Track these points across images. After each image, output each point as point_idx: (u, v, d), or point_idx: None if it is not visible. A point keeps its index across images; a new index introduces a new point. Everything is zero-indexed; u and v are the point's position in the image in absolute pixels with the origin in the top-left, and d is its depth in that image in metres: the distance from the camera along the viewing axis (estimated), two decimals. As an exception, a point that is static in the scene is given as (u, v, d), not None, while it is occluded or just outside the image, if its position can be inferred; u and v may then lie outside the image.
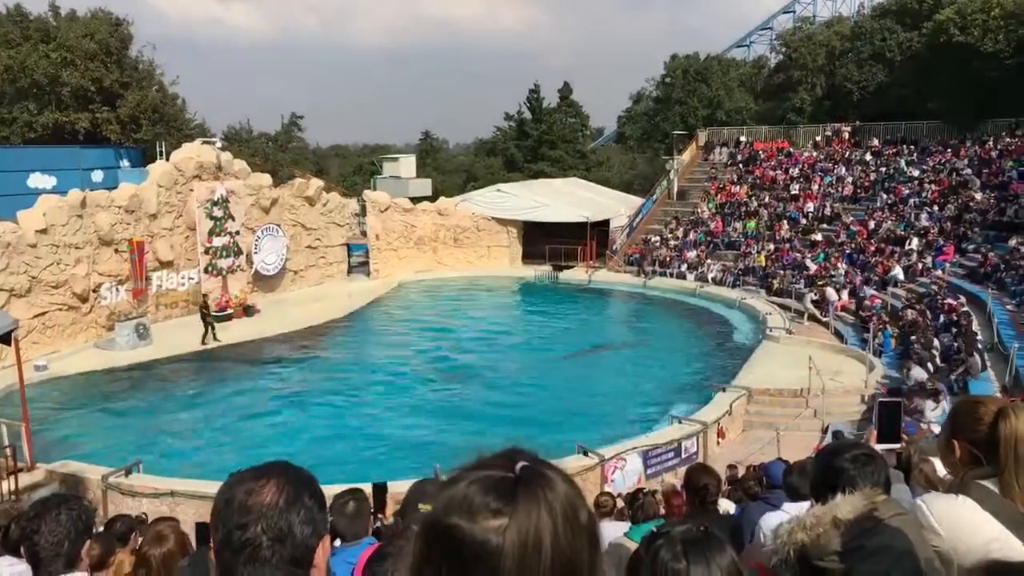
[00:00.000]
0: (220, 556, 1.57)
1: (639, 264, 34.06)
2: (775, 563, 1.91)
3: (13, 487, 12.56)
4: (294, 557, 1.54)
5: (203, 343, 23.34)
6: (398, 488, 7.67)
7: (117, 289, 23.91)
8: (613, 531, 5.53)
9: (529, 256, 36.24)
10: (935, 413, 13.62)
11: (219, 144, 31.09)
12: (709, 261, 32.77)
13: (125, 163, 35.74)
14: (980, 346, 17.58)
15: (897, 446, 2.90)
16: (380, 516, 5.49)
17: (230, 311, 26.31)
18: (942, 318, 20.37)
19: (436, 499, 1.08)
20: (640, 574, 1.82)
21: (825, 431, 16.04)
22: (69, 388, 19.57)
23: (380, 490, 6.10)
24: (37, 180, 31.69)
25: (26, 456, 13.54)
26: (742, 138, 42.88)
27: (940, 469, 3.24)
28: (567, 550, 1.02)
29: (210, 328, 23.62)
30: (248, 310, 26.94)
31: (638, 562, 1.88)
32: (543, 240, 35.59)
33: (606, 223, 37.17)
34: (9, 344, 13.90)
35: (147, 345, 22.64)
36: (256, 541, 1.52)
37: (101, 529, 5.94)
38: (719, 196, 38.03)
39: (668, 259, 33.91)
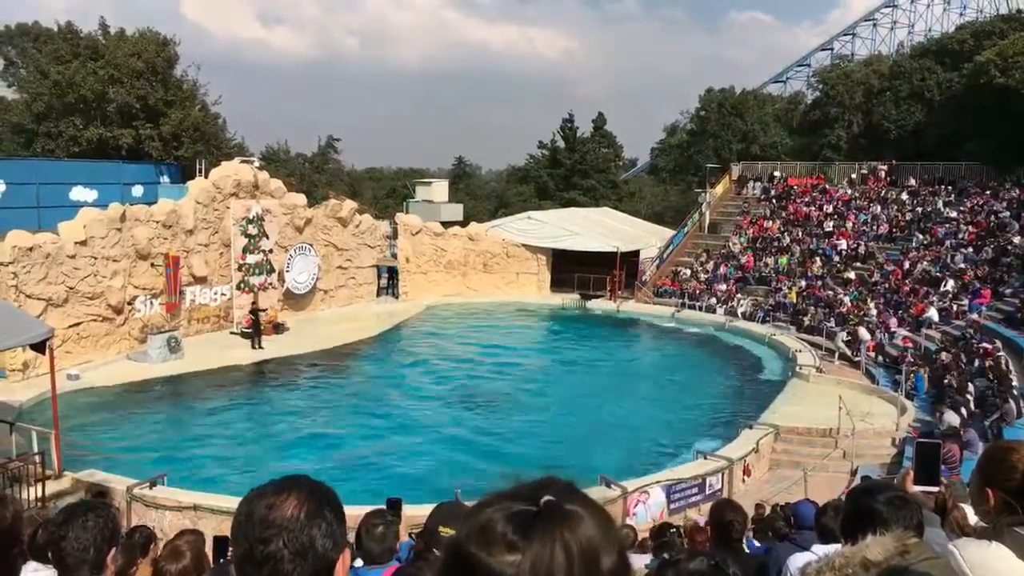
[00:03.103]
0: (241, 570, 1.58)
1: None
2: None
3: (40, 494, 12.70)
4: (315, 571, 1.55)
5: (254, 347, 25.01)
6: (417, 511, 7.66)
7: (151, 302, 24.28)
8: (635, 563, 5.49)
9: (557, 284, 36.23)
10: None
11: (257, 163, 31.65)
12: (739, 296, 32.51)
13: (165, 179, 36.49)
14: (1016, 392, 17.18)
15: (935, 489, 2.84)
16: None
17: (253, 329, 26.54)
18: (977, 362, 19.98)
19: (463, 523, 1.08)
20: None
21: (854, 473, 15.73)
22: (100, 398, 19.83)
23: (393, 506, 6.08)
24: (79, 193, 32.44)
25: (54, 464, 13.70)
26: (776, 173, 42.69)
27: (972, 516, 3.17)
28: None
29: (258, 336, 25.23)
30: (278, 328, 27.18)
31: None
32: (572, 268, 35.59)
33: (636, 254, 37.10)
34: (44, 352, 14.11)
35: (178, 359, 22.91)
36: (278, 555, 1.53)
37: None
38: (751, 230, 37.81)
39: (698, 292, 33.72)
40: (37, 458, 13.03)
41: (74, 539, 2.69)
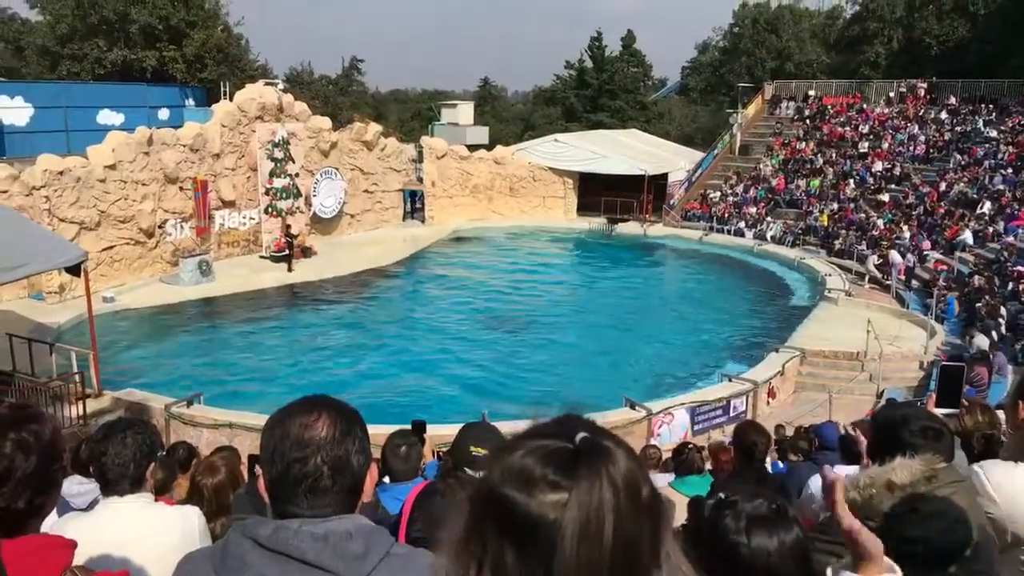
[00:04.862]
0: (276, 488, 1.63)
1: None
2: (823, 519, 1.90)
3: (82, 412, 13.14)
4: (352, 485, 1.63)
5: (290, 270, 25.53)
6: (443, 431, 7.82)
7: (181, 226, 24.52)
8: (659, 482, 5.61)
9: (585, 208, 35.94)
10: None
11: (281, 86, 31.33)
12: (769, 219, 32.07)
13: (190, 102, 36.37)
14: (1050, 316, 16.95)
15: (956, 411, 2.85)
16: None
17: (288, 252, 26.80)
18: (1010, 286, 19.66)
19: (490, 468, 1.02)
20: (703, 537, 1.82)
21: (880, 396, 15.75)
22: (135, 320, 20.29)
23: (418, 428, 6.20)
24: (106, 117, 32.51)
25: (94, 383, 14.12)
26: (811, 92, 41.44)
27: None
28: (629, 528, 0.96)
29: (291, 259, 25.69)
30: (306, 252, 27.38)
31: (700, 525, 1.87)
32: (599, 192, 35.22)
33: (664, 177, 36.56)
34: (79, 275, 14.38)
35: (210, 282, 23.26)
36: (316, 472, 1.59)
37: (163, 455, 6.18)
38: (783, 152, 37.01)
39: (726, 216, 33.31)
40: (77, 377, 13.44)
41: (114, 455, 2.79)
